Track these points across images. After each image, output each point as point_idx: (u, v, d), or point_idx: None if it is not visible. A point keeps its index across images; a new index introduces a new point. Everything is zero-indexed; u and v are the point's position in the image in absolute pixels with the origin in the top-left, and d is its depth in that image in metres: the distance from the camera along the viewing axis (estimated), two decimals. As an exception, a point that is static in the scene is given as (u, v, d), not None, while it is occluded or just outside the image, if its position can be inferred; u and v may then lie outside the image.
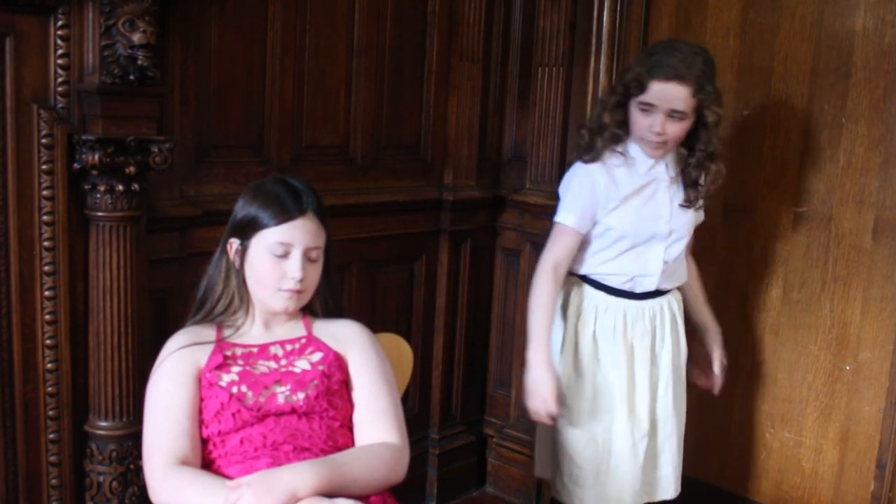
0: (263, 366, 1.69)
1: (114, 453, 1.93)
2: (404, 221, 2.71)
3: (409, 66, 2.68)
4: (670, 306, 2.28)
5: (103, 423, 1.92)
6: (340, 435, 1.67)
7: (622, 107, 2.13)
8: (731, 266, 2.73)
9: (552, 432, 2.29)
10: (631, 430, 2.20)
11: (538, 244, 2.92)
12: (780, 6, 2.55)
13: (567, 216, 2.18)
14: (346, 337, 1.78)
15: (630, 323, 2.21)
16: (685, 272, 2.32)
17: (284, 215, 1.67)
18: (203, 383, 1.64)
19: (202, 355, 1.67)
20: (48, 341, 1.87)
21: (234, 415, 1.60)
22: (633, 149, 2.15)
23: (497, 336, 3.09)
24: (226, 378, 1.64)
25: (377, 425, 1.68)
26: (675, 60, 2.01)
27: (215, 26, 2.16)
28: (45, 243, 1.83)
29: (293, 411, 1.63)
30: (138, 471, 1.92)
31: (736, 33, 2.66)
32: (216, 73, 2.18)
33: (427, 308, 2.86)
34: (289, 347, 1.73)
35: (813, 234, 2.55)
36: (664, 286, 2.24)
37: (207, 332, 1.72)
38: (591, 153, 2.17)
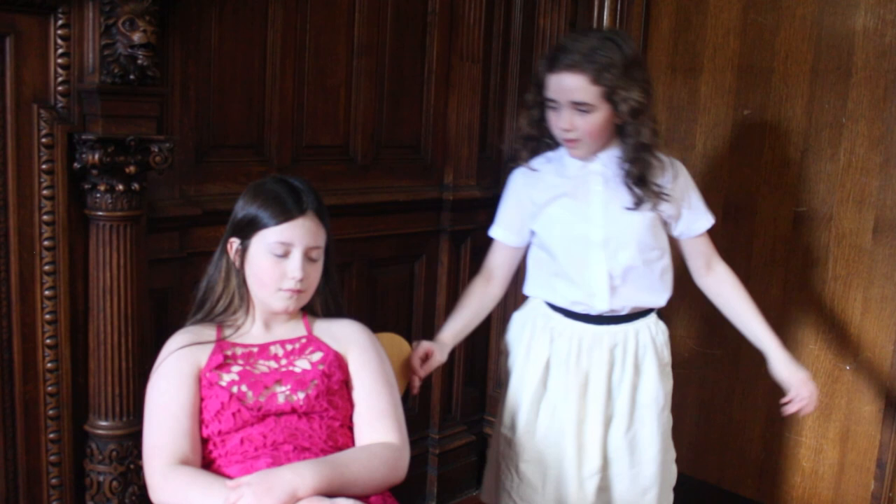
0: (264, 365, 1.69)
1: (114, 453, 1.93)
2: (404, 221, 2.71)
3: (409, 66, 2.68)
4: (637, 335, 2.04)
5: (103, 423, 1.92)
6: (340, 435, 1.67)
7: (541, 107, 1.99)
8: (731, 265, 2.73)
9: (497, 463, 2.17)
10: (578, 467, 2.03)
11: (538, 244, 2.93)
12: (781, 6, 2.55)
13: (493, 227, 2.15)
14: (347, 337, 1.78)
15: (586, 350, 2.03)
16: (659, 293, 2.06)
17: (284, 215, 1.67)
18: (203, 383, 1.64)
19: (202, 355, 1.67)
20: (48, 341, 1.87)
21: (234, 414, 1.60)
22: (563, 150, 2.01)
23: (497, 336, 3.08)
24: (226, 378, 1.64)
25: (377, 425, 1.68)
26: (571, 49, 1.86)
27: (216, 26, 2.16)
28: (45, 243, 1.83)
29: (293, 411, 1.63)
30: (138, 470, 1.92)
31: (736, 33, 2.66)
32: (216, 73, 2.18)
33: (427, 308, 2.86)
34: (289, 347, 1.73)
35: (813, 233, 2.55)
36: (620, 307, 2.01)
37: (208, 332, 1.73)
38: (516, 158, 2.09)
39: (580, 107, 1.88)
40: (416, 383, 2.06)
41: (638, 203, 1.94)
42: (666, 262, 2.05)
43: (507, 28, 2.91)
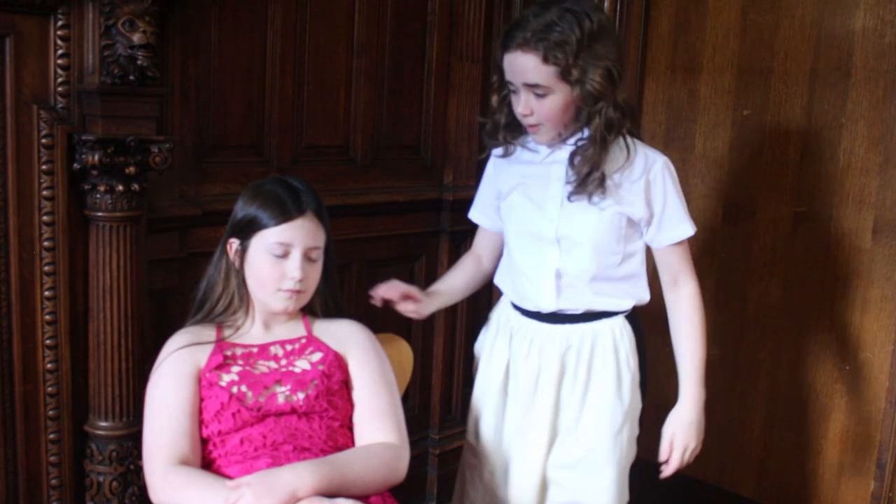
0: (263, 366, 1.69)
1: (114, 453, 1.92)
2: (404, 221, 2.71)
3: (408, 66, 2.68)
4: (594, 338, 1.83)
5: (103, 424, 1.92)
6: (340, 435, 1.67)
7: (508, 89, 1.82)
8: (731, 266, 2.73)
9: (464, 472, 2.07)
10: (517, 484, 1.89)
11: (538, 244, 2.92)
12: (780, 6, 2.56)
13: (471, 210, 2.12)
14: (346, 337, 1.78)
15: (537, 349, 1.86)
16: (621, 297, 1.84)
17: (284, 215, 1.67)
18: (203, 383, 1.64)
19: (202, 355, 1.67)
20: (48, 341, 1.87)
21: (234, 415, 1.60)
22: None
23: (497, 336, 3.08)
24: (226, 378, 1.64)
25: (377, 425, 1.68)
26: (524, 26, 1.68)
27: (215, 26, 2.16)
28: (45, 243, 1.83)
29: (293, 411, 1.63)
30: (138, 471, 1.92)
31: (736, 33, 2.66)
32: (216, 73, 2.18)
33: (427, 308, 2.85)
34: (289, 347, 1.73)
35: (813, 234, 2.55)
36: (572, 308, 1.83)
37: (207, 332, 1.73)
38: (487, 144, 1.96)
39: (535, 89, 1.70)
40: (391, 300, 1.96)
41: (574, 194, 1.75)
42: (632, 267, 1.84)
43: (507, 28, 2.91)
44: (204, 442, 1.62)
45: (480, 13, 2.78)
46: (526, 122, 1.77)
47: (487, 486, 1.97)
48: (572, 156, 1.76)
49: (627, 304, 1.85)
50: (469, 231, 2.90)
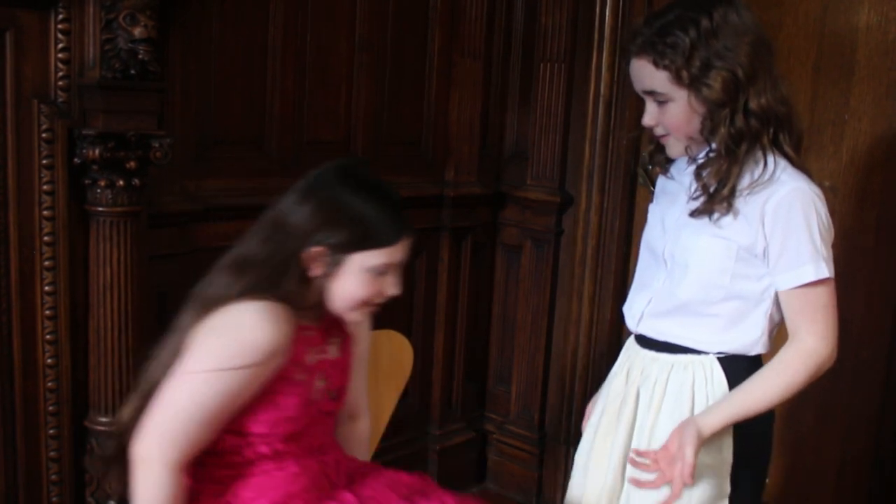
0: (322, 355, 1.56)
1: (114, 449, 1.92)
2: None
3: (410, 61, 2.67)
4: (669, 375, 1.61)
5: (103, 419, 1.92)
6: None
7: None
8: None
9: None
10: None
11: (539, 241, 2.92)
12: (784, 3, 2.55)
13: None
14: (359, 330, 1.68)
15: (625, 372, 1.72)
16: (710, 336, 1.59)
17: (398, 235, 1.48)
18: (281, 374, 1.46)
19: (288, 350, 1.46)
20: (48, 337, 1.86)
21: (305, 412, 1.50)
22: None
23: (497, 332, 3.08)
24: (306, 375, 1.50)
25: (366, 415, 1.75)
26: (643, 30, 1.55)
27: (216, 21, 2.15)
28: (46, 238, 1.83)
29: (334, 410, 1.61)
30: (138, 467, 1.91)
31: (739, 30, 2.65)
32: (217, 68, 2.18)
33: (427, 304, 2.85)
34: (337, 341, 1.61)
35: (815, 231, 2.55)
36: (651, 334, 1.65)
37: (286, 315, 1.45)
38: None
39: (655, 97, 1.56)
40: None
41: (697, 211, 1.56)
42: (737, 311, 1.58)
43: (509, 24, 2.91)
44: (262, 436, 1.46)
45: (482, 9, 2.77)
46: (654, 133, 1.62)
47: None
48: (699, 169, 1.57)
49: (711, 346, 1.60)
50: (470, 228, 2.90)
